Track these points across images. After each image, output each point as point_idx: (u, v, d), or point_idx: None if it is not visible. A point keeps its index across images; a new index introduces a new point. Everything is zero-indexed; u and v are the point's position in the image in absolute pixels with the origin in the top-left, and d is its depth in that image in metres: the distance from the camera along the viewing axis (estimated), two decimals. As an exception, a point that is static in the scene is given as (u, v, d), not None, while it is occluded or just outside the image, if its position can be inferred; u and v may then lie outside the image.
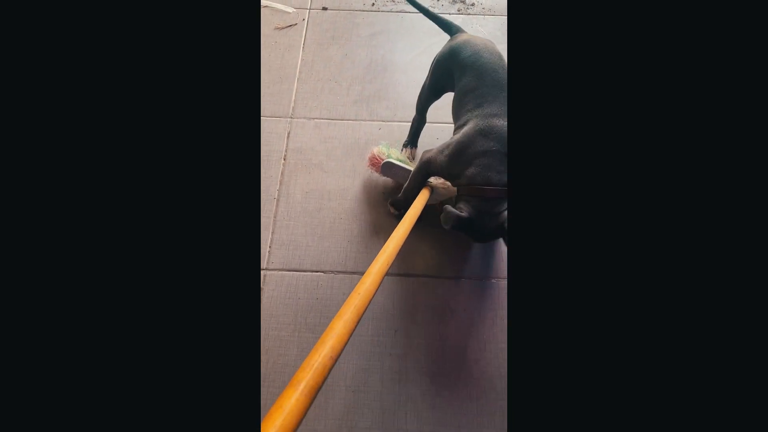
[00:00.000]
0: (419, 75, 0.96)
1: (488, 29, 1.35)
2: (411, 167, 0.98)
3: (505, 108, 0.77)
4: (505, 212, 0.77)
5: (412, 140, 1.08)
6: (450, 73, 0.88)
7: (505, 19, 1.37)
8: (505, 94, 0.78)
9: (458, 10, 1.39)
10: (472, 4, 1.40)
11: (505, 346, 0.88)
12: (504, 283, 0.95)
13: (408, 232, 0.72)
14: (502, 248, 1.00)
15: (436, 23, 0.98)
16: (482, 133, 0.75)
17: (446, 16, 1.37)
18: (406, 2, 1.30)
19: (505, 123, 0.76)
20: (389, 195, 1.04)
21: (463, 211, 0.77)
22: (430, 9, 1.00)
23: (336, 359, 0.38)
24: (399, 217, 0.99)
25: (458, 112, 0.83)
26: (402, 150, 1.09)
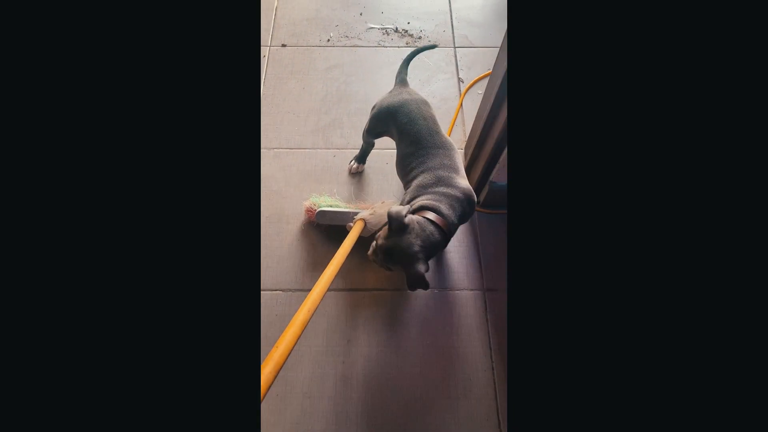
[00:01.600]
0: (371, 105, 1.08)
1: (433, 60, 1.48)
2: (343, 208, 1.08)
3: (444, 161, 0.90)
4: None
5: (360, 158, 1.22)
6: (388, 126, 1.01)
7: (449, 50, 1.51)
8: (443, 151, 0.91)
9: (407, 43, 1.52)
10: (420, 38, 1.54)
11: (456, 351, 0.98)
12: (455, 294, 1.06)
13: (335, 274, 0.77)
14: (452, 261, 1.11)
15: (402, 65, 1.09)
16: (430, 181, 0.88)
17: (395, 49, 1.50)
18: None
19: (449, 174, 0.88)
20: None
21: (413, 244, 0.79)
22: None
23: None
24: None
25: (404, 171, 0.96)
26: (350, 165, 1.22)
